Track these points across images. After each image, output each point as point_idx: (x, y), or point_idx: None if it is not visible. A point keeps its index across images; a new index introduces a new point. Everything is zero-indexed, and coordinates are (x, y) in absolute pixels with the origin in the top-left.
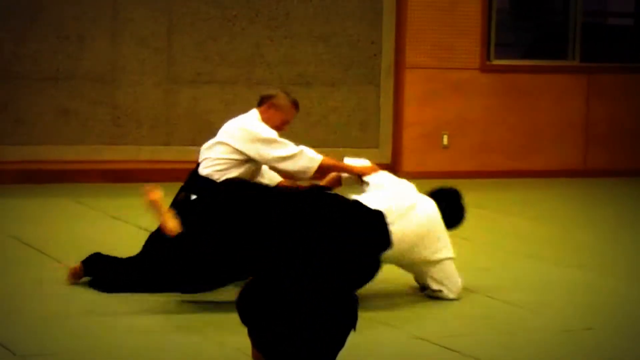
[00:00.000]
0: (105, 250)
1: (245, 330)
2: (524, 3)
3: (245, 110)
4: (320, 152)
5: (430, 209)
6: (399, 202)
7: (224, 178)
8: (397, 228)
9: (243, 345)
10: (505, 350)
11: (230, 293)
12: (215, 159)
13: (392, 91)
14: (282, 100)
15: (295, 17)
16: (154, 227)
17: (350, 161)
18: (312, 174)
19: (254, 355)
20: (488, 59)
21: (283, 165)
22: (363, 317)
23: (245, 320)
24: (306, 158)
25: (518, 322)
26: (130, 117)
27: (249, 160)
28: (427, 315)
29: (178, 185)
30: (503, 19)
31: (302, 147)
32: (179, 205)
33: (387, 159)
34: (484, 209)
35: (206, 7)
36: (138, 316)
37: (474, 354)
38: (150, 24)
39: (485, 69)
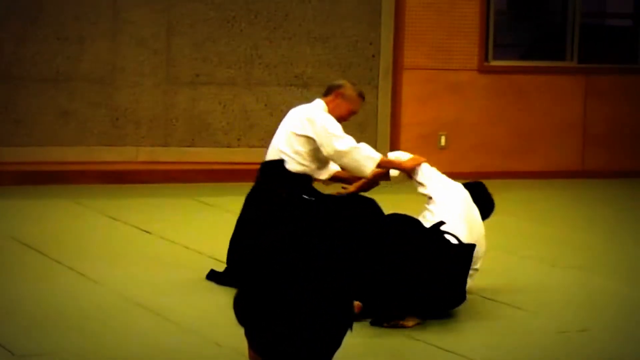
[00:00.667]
0: (103, 251)
1: (241, 331)
2: (522, 4)
3: (244, 110)
4: None
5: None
6: (476, 230)
7: (290, 167)
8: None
9: (239, 345)
10: (501, 351)
11: (226, 294)
12: (281, 150)
13: (390, 92)
14: (349, 90)
15: (293, 18)
16: (150, 229)
17: (396, 154)
18: (369, 171)
19: (250, 356)
20: (486, 59)
21: (341, 160)
22: (358, 317)
23: (242, 321)
24: (365, 155)
25: (514, 323)
26: (129, 118)
27: (313, 149)
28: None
29: (177, 185)
30: (501, 20)
31: (362, 144)
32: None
33: None
34: None
35: (205, 8)
36: (136, 316)
37: (469, 355)
38: (150, 25)
39: (483, 69)
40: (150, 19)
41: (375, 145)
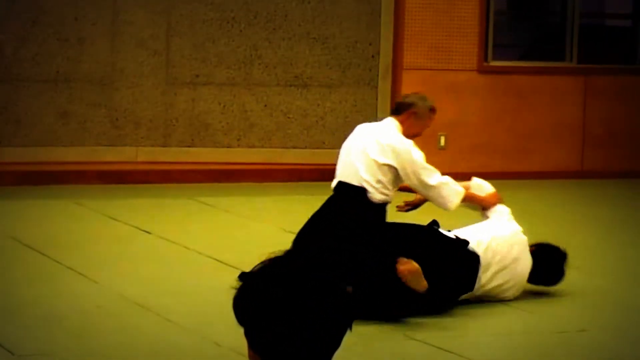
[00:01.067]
0: (103, 251)
1: (241, 330)
2: (522, 4)
3: (243, 110)
4: (317, 154)
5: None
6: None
7: (373, 197)
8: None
9: (239, 345)
10: (500, 350)
11: (225, 294)
12: (364, 178)
13: (389, 92)
14: (422, 109)
15: (293, 19)
16: (150, 229)
17: (478, 182)
18: (454, 207)
19: (249, 356)
20: (485, 60)
21: (426, 192)
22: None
23: (241, 320)
24: (452, 191)
25: (513, 322)
26: (129, 118)
27: (395, 177)
28: (420, 316)
29: (176, 185)
30: (501, 21)
31: (448, 178)
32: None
33: None
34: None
35: (204, 9)
36: (135, 316)
37: (468, 354)
38: (149, 26)
39: (482, 70)
40: (149, 20)
41: None
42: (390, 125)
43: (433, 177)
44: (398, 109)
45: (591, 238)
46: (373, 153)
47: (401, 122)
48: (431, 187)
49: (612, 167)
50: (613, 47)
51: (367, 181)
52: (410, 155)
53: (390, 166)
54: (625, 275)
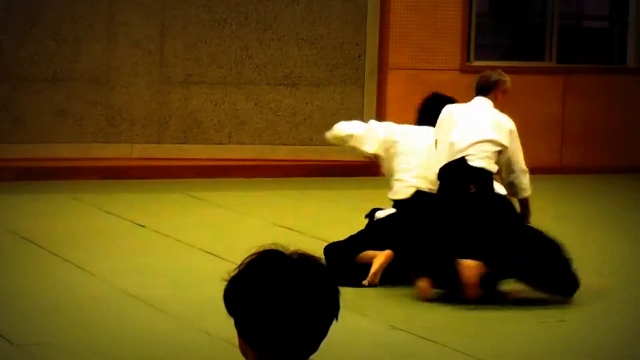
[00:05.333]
0: (99, 244)
1: (231, 321)
2: (503, 6)
3: (234, 108)
4: (306, 151)
5: None
6: None
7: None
8: None
9: (229, 335)
10: (481, 340)
11: (216, 286)
12: (484, 154)
13: (375, 91)
14: (508, 83)
15: (282, 21)
16: (144, 223)
17: None
18: (522, 196)
19: (240, 346)
20: (468, 60)
21: (516, 178)
22: (342, 307)
23: (231, 311)
24: (528, 182)
25: (494, 314)
26: (124, 116)
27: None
28: (404, 306)
29: (170, 181)
30: (482, 22)
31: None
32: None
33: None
34: None
35: (197, 11)
36: (130, 307)
37: (450, 345)
38: (144, 27)
39: (465, 69)
40: (144, 21)
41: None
42: (492, 108)
43: (523, 164)
44: (485, 88)
45: (569, 231)
46: (491, 134)
47: (495, 102)
48: (523, 173)
49: (590, 163)
50: (591, 47)
51: (475, 153)
52: (518, 141)
53: (505, 147)
54: (603, 268)
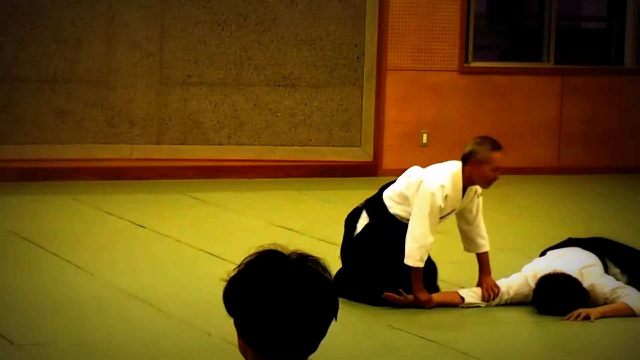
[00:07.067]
0: (99, 245)
1: (231, 320)
2: (501, 8)
3: (233, 109)
4: (305, 151)
5: None
6: None
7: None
8: None
9: (229, 335)
10: (481, 340)
11: (216, 286)
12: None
13: (374, 92)
14: (482, 153)
15: (281, 22)
16: (144, 224)
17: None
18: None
19: (239, 345)
20: (466, 61)
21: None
22: (341, 308)
23: (231, 311)
24: (417, 252)
25: (493, 314)
26: (124, 117)
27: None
28: (403, 307)
29: (169, 181)
30: (481, 23)
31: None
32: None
33: (369, 157)
34: None
35: (197, 12)
36: (129, 307)
37: (450, 345)
38: (143, 28)
39: (463, 70)
40: (144, 23)
41: (359, 143)
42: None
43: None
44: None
45: (567, 231)
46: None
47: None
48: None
49: (588, 164)
50: (588, 48)
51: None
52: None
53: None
54: None
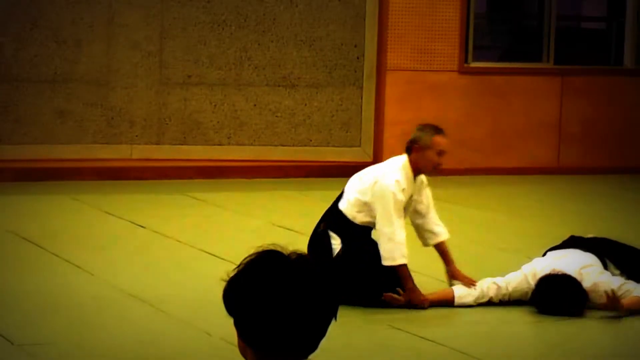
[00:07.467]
0: (99, 245)
1: (230, 321)
2: (501, 8)
3: (233, 109)
4: (304, 152)
5: None
6: None
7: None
8: None
9: (229, 335)
10: (481, 340)
11: (216, 286)
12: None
13: (374, 92)
14: (424, 140)
15: (281, 22)
16: (144, 224)
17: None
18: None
19: (239, 345)
20: (466, 61)
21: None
22: (341, 308)
23: (231, 311)
24: (396, 251)
25: (493, 314)
26: (124, 117)
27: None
28: (402, 306)
29: (169, 181)
30: (480, 23)
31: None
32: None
33: (369, 157)
34: (461, 204)
35: (197, 12)
36: (129, 307)
37: (450, 344)
38: (143, 29)
39: (463, 71)
40: (144, 23)
41: (359, 144)
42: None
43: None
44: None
45: (566, 231)
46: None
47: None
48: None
49: (587, 164)
50: (588, 48)
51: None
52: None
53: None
54: None
